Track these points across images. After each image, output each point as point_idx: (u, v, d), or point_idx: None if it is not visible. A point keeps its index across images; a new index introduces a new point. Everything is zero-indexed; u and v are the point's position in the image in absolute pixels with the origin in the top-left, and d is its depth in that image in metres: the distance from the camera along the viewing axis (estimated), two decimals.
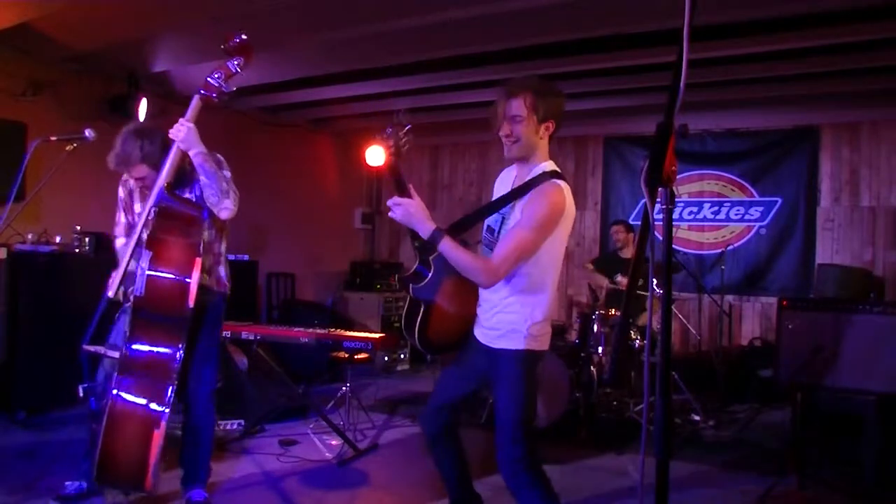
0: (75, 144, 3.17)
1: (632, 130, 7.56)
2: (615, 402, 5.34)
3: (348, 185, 8.73)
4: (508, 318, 2.46)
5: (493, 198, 2.64)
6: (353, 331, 4.86)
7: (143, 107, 5.48)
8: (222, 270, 3.24)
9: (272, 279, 7.32)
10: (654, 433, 1.40)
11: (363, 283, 7.90)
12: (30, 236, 4.92)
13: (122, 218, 3.23)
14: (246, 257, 6.60)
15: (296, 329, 4.50)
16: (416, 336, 2.51)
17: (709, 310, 7.03)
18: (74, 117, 5.31)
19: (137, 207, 3.15)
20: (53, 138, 3.10)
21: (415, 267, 2.55)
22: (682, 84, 1.38)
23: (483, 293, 2.56)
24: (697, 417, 5.25)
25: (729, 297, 6.84)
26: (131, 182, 3.16)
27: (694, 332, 6.50)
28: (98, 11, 4.41)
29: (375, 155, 8.29)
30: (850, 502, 3.67)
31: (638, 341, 5.20)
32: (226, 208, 2.97)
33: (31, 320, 4.69)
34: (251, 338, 4.38)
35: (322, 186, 8.37)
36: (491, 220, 2.58)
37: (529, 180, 2.44)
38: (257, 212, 7.25)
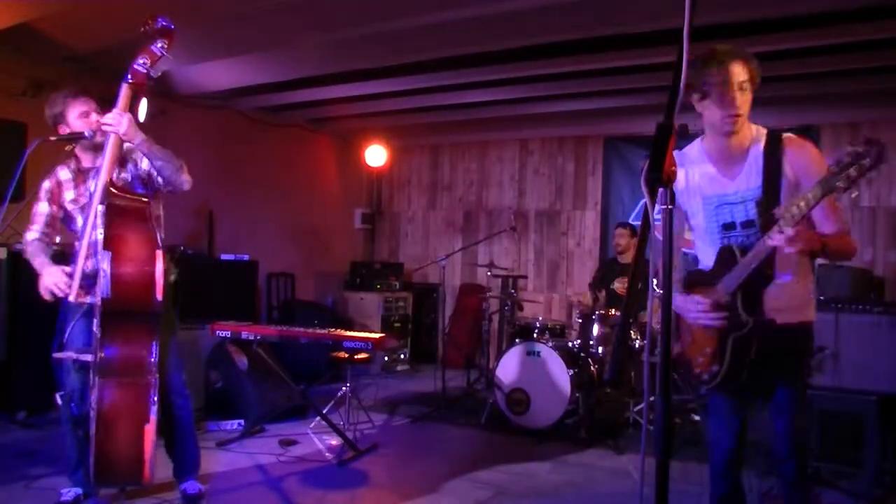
0: (75, 144, 3.16)
1: (632, 130, 7.55)
2: (615, 403, 5.33)
3: (348, 185, 8.73)
4: (799, 291, 2.21)
5: (685, 183, 2.38)
6: (353, 331, 4.86)
7: (143, 107, 5.46)
8: None
9: (272, 279, 7.32)
10: (654, 433, 1.40)
11: (363, 283, 7.90)
12: None
13: (42, 208, 3.15)
14: (246, 257, 6.59)
15: (296, 329, 4.49)
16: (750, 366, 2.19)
17: None
18: None
19: (70, 195, 3.12)
20: (53, 138, 3.09)
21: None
22: (682, 84, 1.38)
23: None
24: (697, 417, 5.24)
25: None
26: (60, 173, 3.13)
27: None
28: (98, 11, 4.41)
29: (377, 155, 8.36)
30: (850, 502, 3.67)
31: (638, 341, 5.20)
32: (186, 181, 3.05)
33: (31, 320, 4.67)
34: (251, 338, 4.38)
35: (322, 186, 8.37)
36: (733, 213, 2.32)
37: (770, 147, 2.21)
38: (257, 212, 7.26)
